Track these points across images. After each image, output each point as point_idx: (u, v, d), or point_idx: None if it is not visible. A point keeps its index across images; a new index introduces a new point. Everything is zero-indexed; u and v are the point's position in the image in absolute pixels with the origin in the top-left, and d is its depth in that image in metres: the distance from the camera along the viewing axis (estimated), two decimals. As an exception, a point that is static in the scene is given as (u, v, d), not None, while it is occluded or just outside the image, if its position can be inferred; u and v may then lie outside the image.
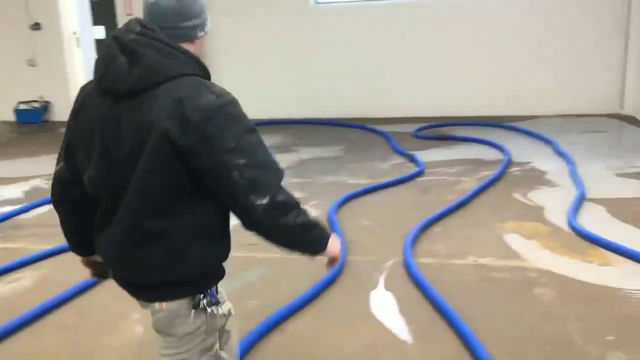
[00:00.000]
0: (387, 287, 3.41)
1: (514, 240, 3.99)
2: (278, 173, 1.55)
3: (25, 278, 3.75)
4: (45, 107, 9.48)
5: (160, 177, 1.49)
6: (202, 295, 1.61)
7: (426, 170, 5.74)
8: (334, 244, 1.67)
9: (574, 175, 5.25)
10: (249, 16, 8.83)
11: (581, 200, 4.61)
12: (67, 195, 1.70)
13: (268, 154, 1.54)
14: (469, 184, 5.24)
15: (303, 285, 3.32)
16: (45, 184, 5.76)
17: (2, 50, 9.48)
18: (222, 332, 1.80)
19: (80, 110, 1.62)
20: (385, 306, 3.20)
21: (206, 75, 1.58)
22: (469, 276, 3.52)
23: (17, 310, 3.20)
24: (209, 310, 1.62)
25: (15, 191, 5.71)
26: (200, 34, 1.61)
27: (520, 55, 8.32)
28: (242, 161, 1.46)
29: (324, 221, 4.06)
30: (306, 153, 6.81)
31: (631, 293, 3.19)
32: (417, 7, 8.59)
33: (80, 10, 6.57)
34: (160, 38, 1.51)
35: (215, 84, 1.56)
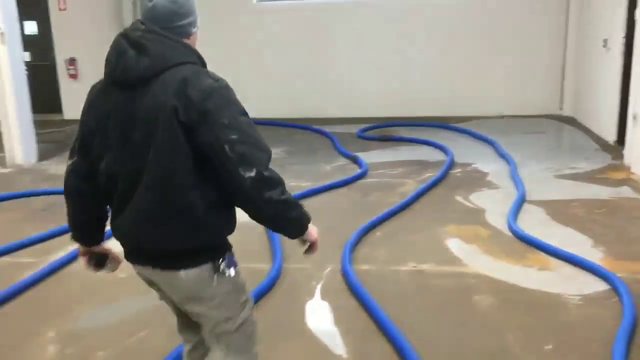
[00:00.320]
0: (324, 297, 3.28)
1: (455, 245, 3.93)
2: (266, 152, 1.69)
3: None
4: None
5: (174, 152, 1.63)
6: (220, 260, 1.77)
7: (369, 172, 5.66)
8: (313, 230, 1.82)
9: (515, 177, 5.26)
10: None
11: (521, 202, 4.60)
12: (79, 186, 1.82)
13: (258, 134, 1.69)
14: (412, 186, 5.17)
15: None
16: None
17: None
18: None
19: (92, 104, 1.77)
20: (320, 317, 3.07)
21: (203, 64, 1.77)
22: (408, 283, 3.42)
23: None
24: (228, 271, 1.77)
25: None
26: (194, 29, 1.80)
27: (463, 56, 8.39)
28: (234, 137, 1.62)
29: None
30: (248, 155, 6.61)
31: (569, 298, 3.16)
32: (362, 7, 8.54)
33: (4, 3, 6.12)
34: (163, 33, 1.70)
35: (213, 72, 1.73)
